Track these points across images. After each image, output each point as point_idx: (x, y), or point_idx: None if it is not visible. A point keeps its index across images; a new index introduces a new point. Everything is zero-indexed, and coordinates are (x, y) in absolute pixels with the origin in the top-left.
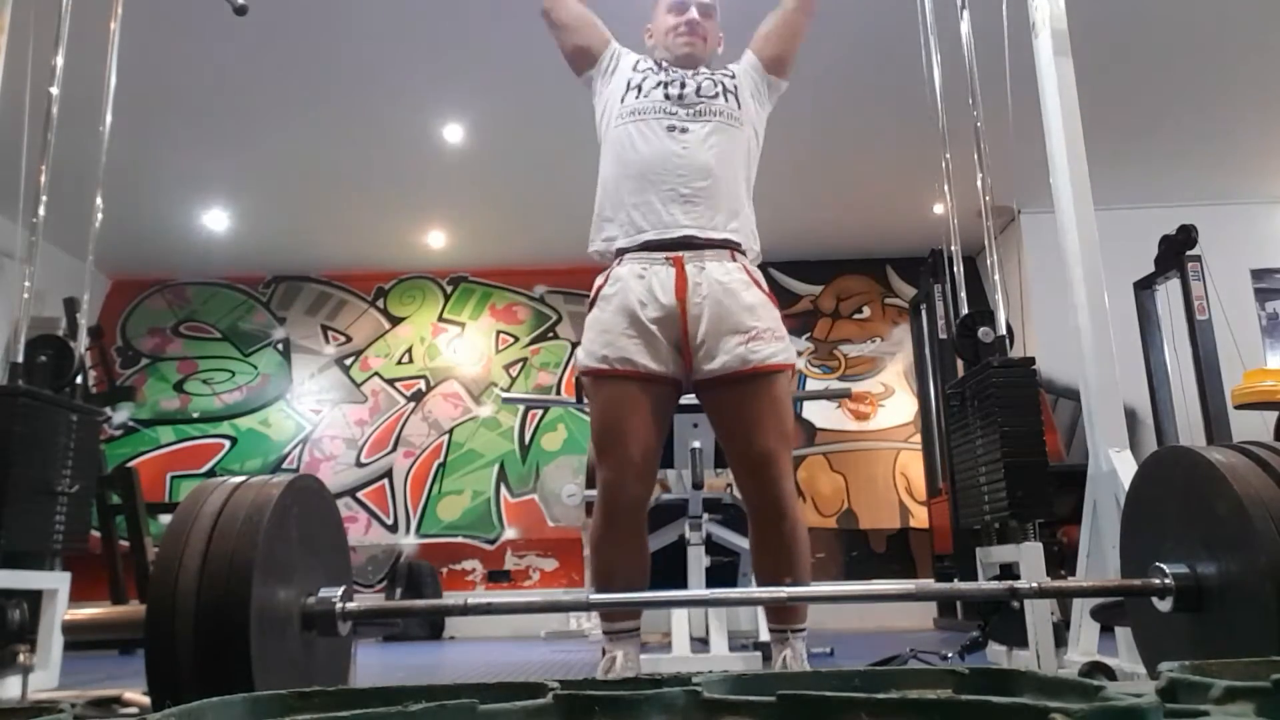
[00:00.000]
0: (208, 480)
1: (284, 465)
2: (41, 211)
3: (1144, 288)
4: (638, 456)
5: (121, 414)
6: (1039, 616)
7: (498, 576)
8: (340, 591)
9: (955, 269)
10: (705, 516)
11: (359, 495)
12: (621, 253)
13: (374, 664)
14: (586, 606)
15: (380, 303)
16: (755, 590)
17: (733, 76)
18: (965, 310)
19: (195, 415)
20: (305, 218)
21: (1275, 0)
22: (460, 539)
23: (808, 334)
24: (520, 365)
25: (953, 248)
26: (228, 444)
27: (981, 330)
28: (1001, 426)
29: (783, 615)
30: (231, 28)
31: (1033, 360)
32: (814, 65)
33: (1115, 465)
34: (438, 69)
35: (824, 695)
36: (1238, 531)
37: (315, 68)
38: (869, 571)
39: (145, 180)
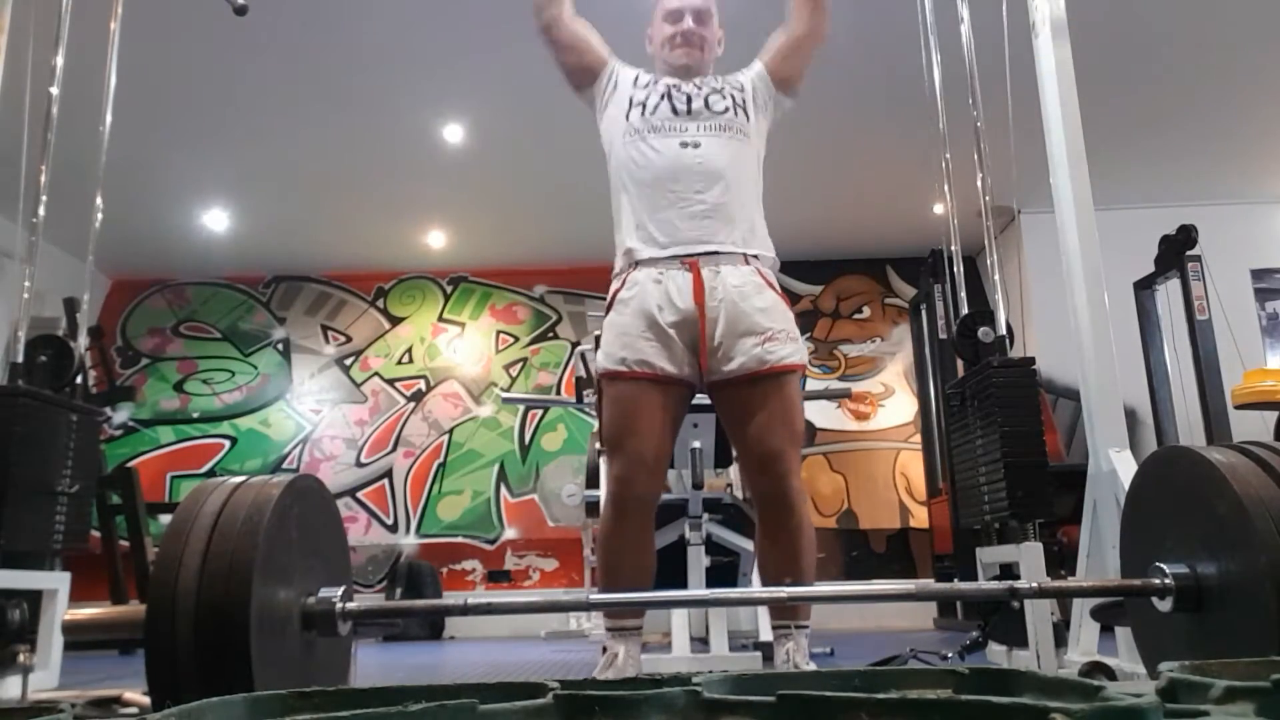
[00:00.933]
0: (208, 480)
1: (284, 465)
2: (41, 211)
3: (1144, 288)
4: (649, 454)
5: (121, 414)
6: (1039, 616)
7: (498, 576)
8: (340, 591)
9: (955, 269)
10: (705, 516)
11: (359, 495)
12: (638, 262)
13: (374, 664)
14: (586, 606)
15: (380, 303)
16: (755, 590)
17: (741, 89)
18: (965, 310)
19: (195, 415)
20: (305, 218)
21: (1275, 0)
22: (460, 539)
23: (808, 334)
24: (520, 365)
25: (953, 248)
26: (228, 444)
27: (981, 330)
28: (1001, 426)
29: (787, 611)
30: (232, 28)
31: (1033, 360)
32: (814, 65)
33: (1115, 465)
34: (438, 69)
35: (824, 695)
36: (1238, 531)
37: (315, 68)
38: (869, 571)
39: (145, 180)
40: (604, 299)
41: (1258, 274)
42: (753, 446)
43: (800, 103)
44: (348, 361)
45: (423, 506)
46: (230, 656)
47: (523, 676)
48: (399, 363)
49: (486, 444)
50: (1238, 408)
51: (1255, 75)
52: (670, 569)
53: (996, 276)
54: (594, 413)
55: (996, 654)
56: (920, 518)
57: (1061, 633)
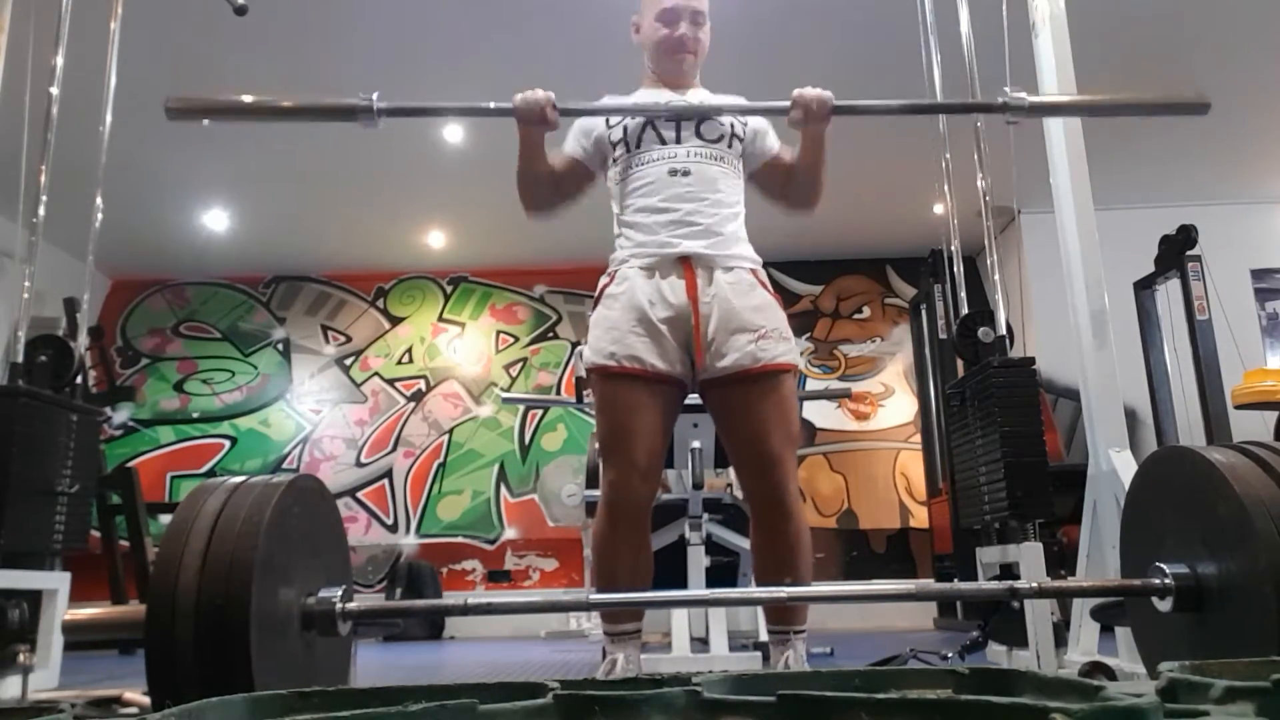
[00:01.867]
0: (208, 480)
1: (284, 465)
2: (41, 211)
3: (1144, 288)
4: (643, 458)
5: (121, 414)
6: (1039, 616)
7: (498, 576)
8: (340, 591)
9: (955, 269)
10: (705, 516)
11: (359, 495)
12: (629, 257)
13: (374, 664)
14: (586, 606)
15: (380, 303)
16: (755, 590)
17: (745, 125)
18: (965, 310)
19: (195, 415)
20: (305, 218)
21: (1275, 1)
22: (460, 539)
23: (808, 334)
24: (520, 365)
25: (953, 248)
26: (228, 444)
27: (981, 330)
28: (1001, 426)
29: (783, 616)
30: (231, 28)
31: (1033, 360)
32: (814, 65)
33: (1115, 465)
34: (438, 69)
35: (824, 695)
36: (1238, 531)
37: (315, 67)
38: (869, 571)
39: (145, 180)
40: None
41: (1258, 274)
42: (749, 450)
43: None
44: (348, 361)
45: (423, 506)
46: (230, 656)
47: (523, 676)
48: (399, 363)
49: (486, 444)
50: (1238, 408)
51: (1255, 75)
52: (670, 569)
53: (996, 276)
54: (593, 413)
55: (996, 654)
56: (920, 518)
57: (1061, 633)
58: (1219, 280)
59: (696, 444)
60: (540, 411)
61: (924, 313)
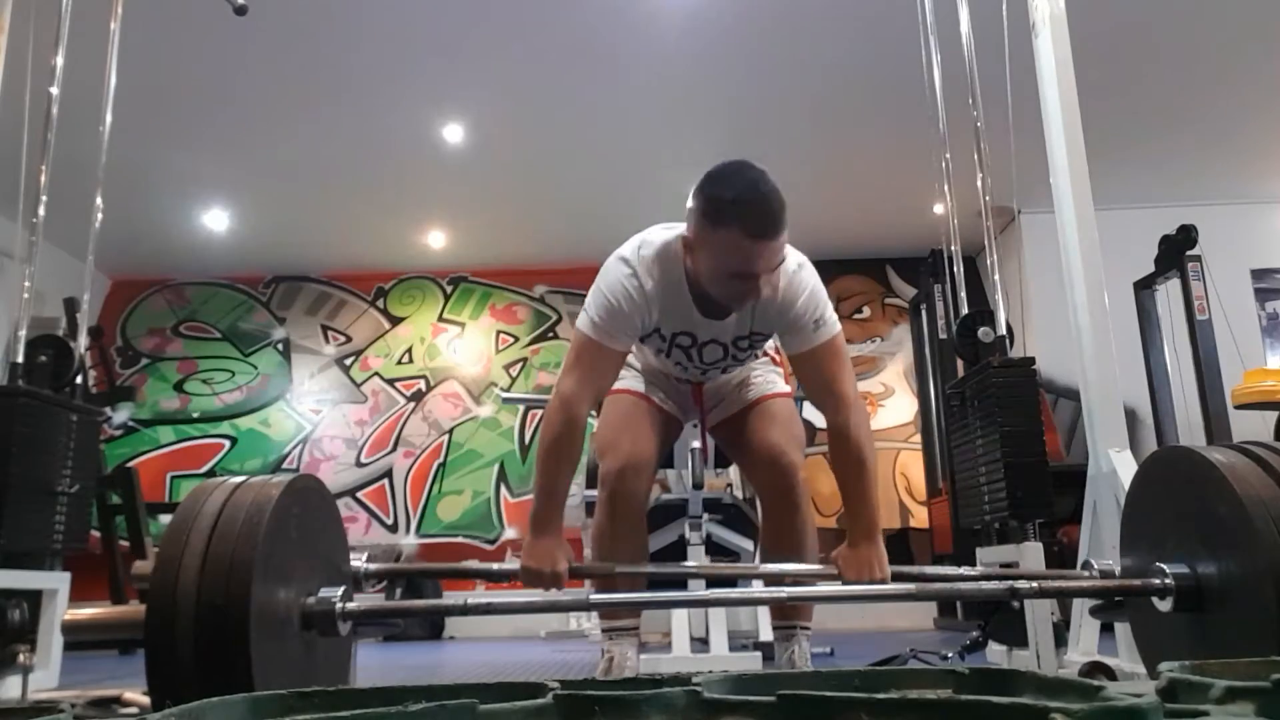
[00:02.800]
0: (208, 480)
1: (284, 465)
2: (41, 211)
3: (1144, 288)
4: (639, 454)
5: (121, 414)
6: (1039, 616)
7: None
8: (340, 591)
9: (955, 269)
10: (705, 516)
11: (359, 495)
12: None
13: (374, 664)
14: (586, 606)
15: (380, 303)
16: (755, 590)
17: (765, 336)
18: (965, 310)
19: (195, 415)
20: (305, 218)
21: (1275, 1)
22: (460, 539)
23: None
24: (520, 365)
25: (953, 248)
26: (228, 444)
27: (981, 330)
28: (1001, 426)
29: (789, 612)
30: (231, 28)
31: (1033, 360)
32: (814, 65)
33: (1115, 465)
34: (438, 68)
35: (824, 695)
36: (1238, 531)
37: (315, 67)
38: None
39: (145, 180)
40: None
41: (1258, 274)
42: (756, 447)
43: (801, 103)
44: (348, 361)
45: (423, 506)
46: (230, 656)
47: (523, 676)
48: (399, 363)
49: (486, 444)
50: (1238, 408)
51: (1255, 75)
52: None
53: (996, 276)
54: (593, 411)
55: (996, 654)
56: (920, 518)
57: (1061, 633)
58: (1219, 280)
59: (696, 444)
60: (540, 411)
61: (924, 313)
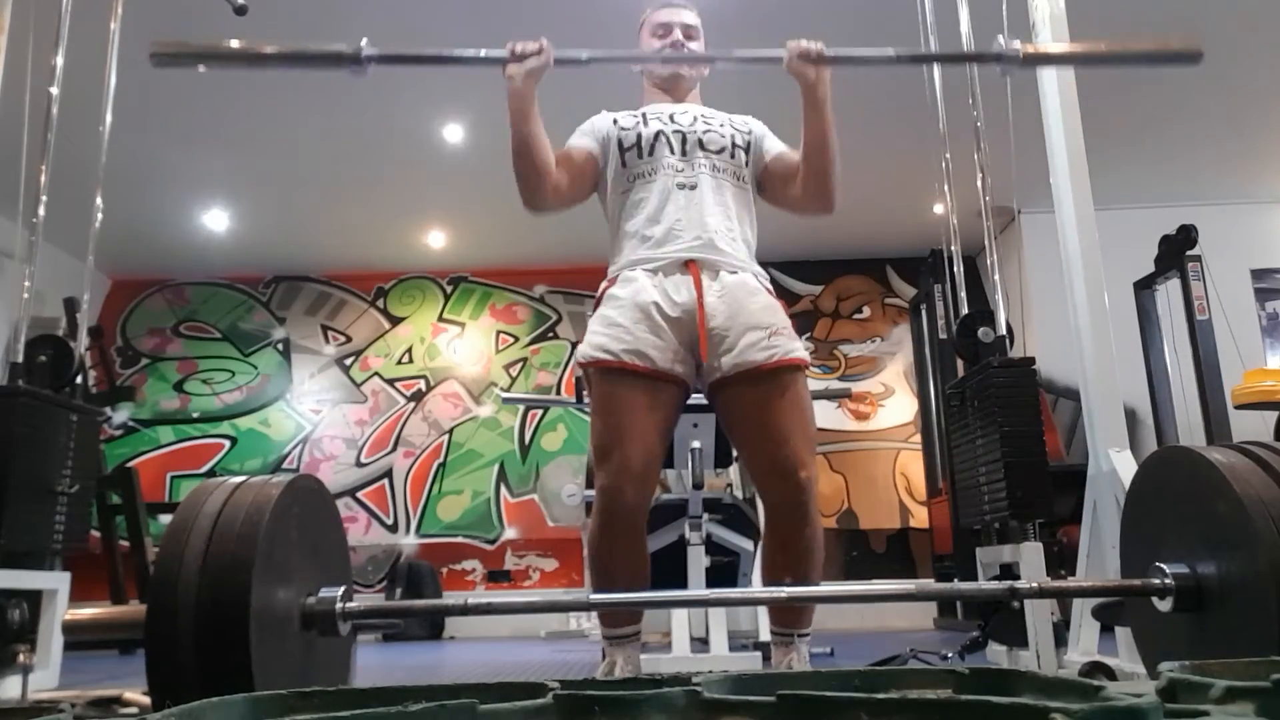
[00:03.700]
0: (208, 480)
1: (284, 465)
2: (41, 211)
3: (1144, 288)
4: (638, 462)
5: (121, 414)
6: (1039, 616)
7: (498, 576)
8: (340, 591)
9: (955, 269)
10: (705, 516)
11: (359, 495)
12: (633, 261)
13: (374, 664)
14: (586, 606)
15: (380, 303)
16: (755, 590)
17: (748, 134)
18: (965, 310)
19: (195, 415)
20: (305, 218)
21: (1274, 1)
22: (460, 539)
23: (808, 334)
24: (520, 365)
25: (953, 248)
26: (228, 444)
27: (981, 330)
28: (1001, 426)
29: (787, 617)
30: (231, 28)
31: (1033, 360)
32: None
33: (1115, 465)
34: (438, 69)
35: (824, 695)
36: (1238, 531)
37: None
38: (869, 571)
39: (145, 180)
40: None
41: (1258, 274)
42: (769, 453)
43: (799, 103)
44: (348, 361)
45: (423, 506)
46: (230, 656)
47: (523, 676)
48: (399, 363)
49: (486, 444)
50: (1238, 408)
51: (1255, 75)
52: (670, 569)
53: (996, 276)
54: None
55: (996, 654)
56: (920, 518)
57: (1061, 633)
58: (1219, 280)
59: (696, 444)
60: (540, 411)
61: (924, 313)
